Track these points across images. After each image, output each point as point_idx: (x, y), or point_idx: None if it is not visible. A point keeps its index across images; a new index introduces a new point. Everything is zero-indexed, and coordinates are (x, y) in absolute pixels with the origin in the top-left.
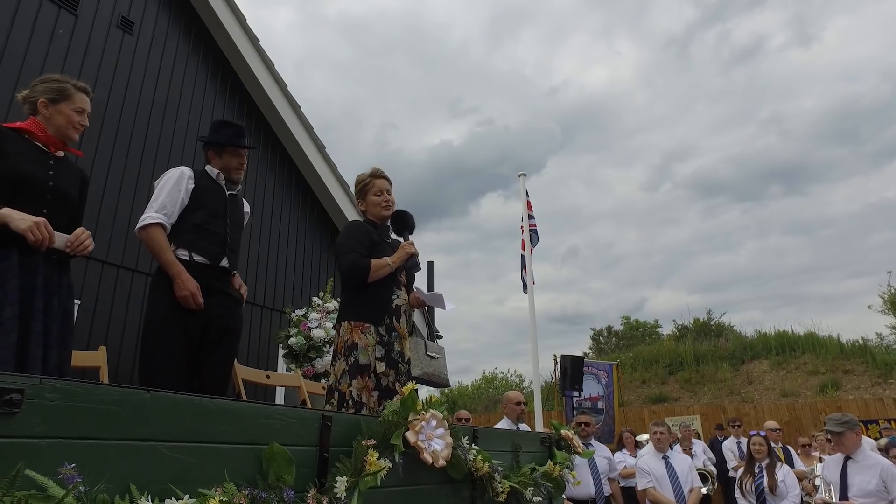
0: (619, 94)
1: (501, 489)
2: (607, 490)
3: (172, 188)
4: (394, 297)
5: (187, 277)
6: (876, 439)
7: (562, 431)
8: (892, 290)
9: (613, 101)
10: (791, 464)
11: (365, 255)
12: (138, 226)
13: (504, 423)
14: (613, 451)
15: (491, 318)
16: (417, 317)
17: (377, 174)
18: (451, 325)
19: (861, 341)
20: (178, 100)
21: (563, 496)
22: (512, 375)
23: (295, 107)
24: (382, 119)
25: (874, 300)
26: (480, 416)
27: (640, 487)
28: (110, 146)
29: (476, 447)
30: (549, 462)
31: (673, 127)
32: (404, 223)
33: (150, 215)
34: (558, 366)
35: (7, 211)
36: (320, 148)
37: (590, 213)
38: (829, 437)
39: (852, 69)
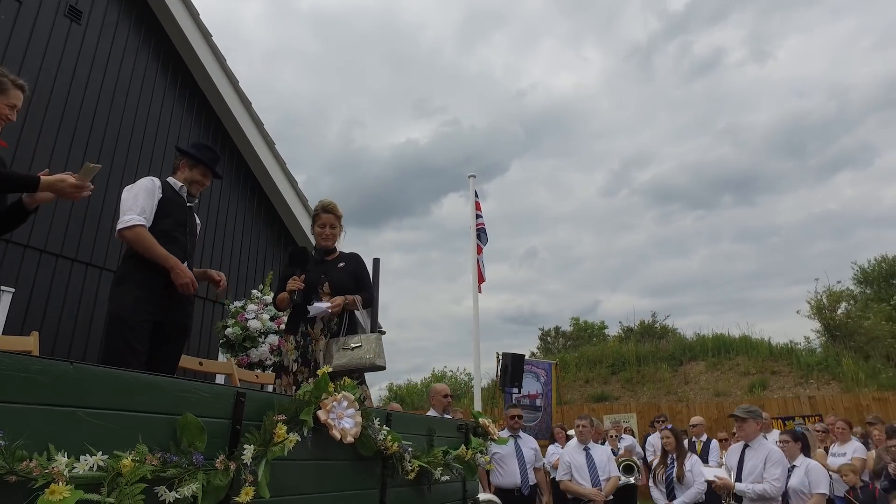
0: (584, 100)
1: (411, 468)
2: (532, 479)
3: (148, 196)
4: (310, 307)
5: (184, 267)
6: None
7: (480, 420)
8: (818, 297)
9: (578, 107)
10: (707, 456)
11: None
12: (123, 226)
13: (432, 414)
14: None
15: (447, 317)
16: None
17: (326, 209)
18: (408, 324)
19: (789, 344)
20: (127, 91)
21: (491, 484)
22: (461, 373)
23: (246, 103)
24: (349, 116)
25: (805, 306)
26: (426, 411)
27: (557, 478)
28: (53, 134)
29: (387, 428)
30: (463, 447)
31: (634, 134)
32: (296, 260)
33: (134, 217)
34: (500, 363)
35: None
36: (270, 144)
37: (550, 215)
38: (736, 422)
39: (802, 86)
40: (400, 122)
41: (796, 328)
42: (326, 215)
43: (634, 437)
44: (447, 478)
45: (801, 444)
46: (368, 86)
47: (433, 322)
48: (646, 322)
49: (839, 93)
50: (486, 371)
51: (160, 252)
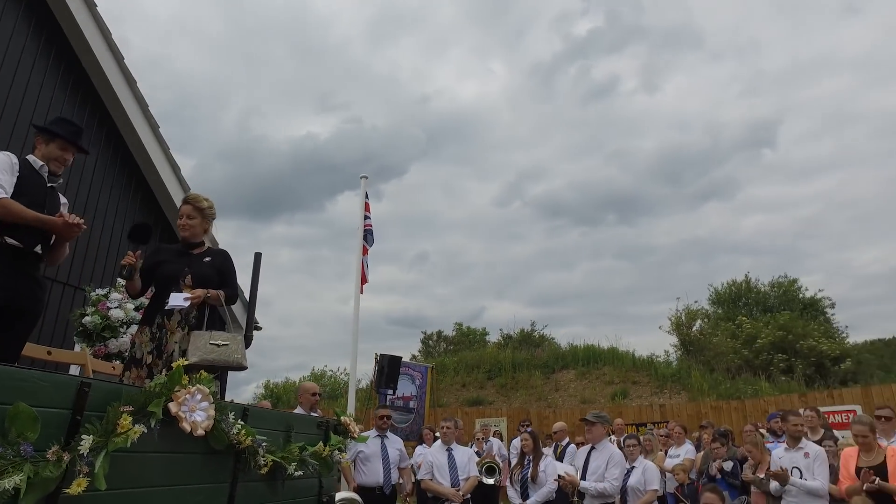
0: (486, 111)
1: (264, 462)
2: (395, 479)
3: (7, 171)
4: (169, 298)
5: (52, 218)
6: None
7: (341, 417)
8: (678, 315)
9: (481, 117)
10: (563, 459)
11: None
12: None
13: (299, 412)
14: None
15: (333, 316)
16: (239, 310)
17: (186, 199)
18: (292, 321)
19: (650, 357)
20: None
21: (354, 482)
22: (341, 373)
23: (131, 81)
24: (248, 103)
25: (667, 322)
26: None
27: (418, 477)
28: None
29: (242, 423)
30: (321, 443)
31: (531, 148)
32: (135, 235)
33: None
34: (377, 364)
35: None
36: (154, 127)
37: (444, 221)
38: (586, 426)
39: (684, 120)
40: (301, 114)
41: (659, 342)
42: (185, 206)
43: (502, 440)
44: (301, 473)
45: (640, 447)
46: (272, 74)
47: (318, 320)
48: (525, 330)
49: (713, 130)
50: (366, 372)
51: (33, 215)
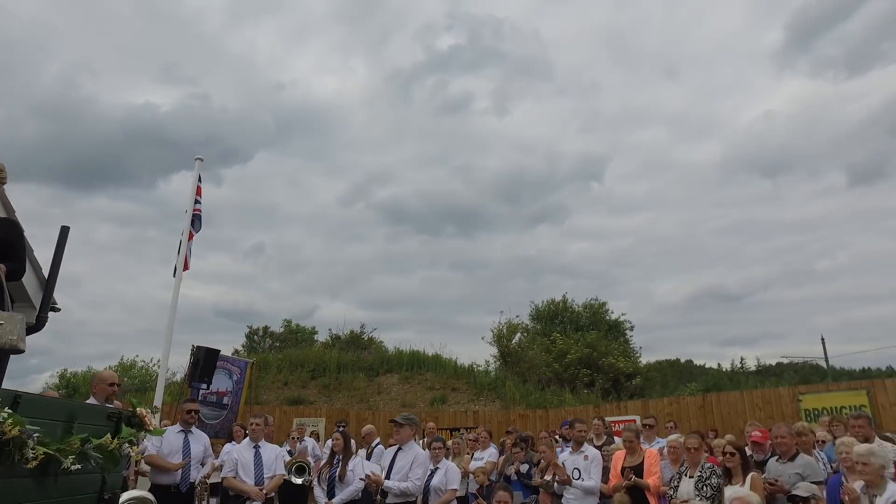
0: (342, 109)
1: (33, 455)
2: (195, 477)
3: None
4: None
5: None
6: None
7: (137, 409)
8: (500, 327)
9: (335, 114)
10: (372, 459)
11: None
12: None
13: (92, 402)
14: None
15: (153, 303)
16: (36, 287)
17: None
18: (105, 305)
19: (471, 366)
20: None
21: (149, 481)
22: (154, 365)
23: None
24: (78, 58)
25: (490, 333)
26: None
27: (221, 475)
28: None
29: (9, 411)
30: (108, 436)
31: (382, 152)
32: None
33: None
34: (192, 356)
35: None
36: None
37: (285, 214)
38: (395, 427)
39: (527, 145)
40: (141, 81)
41: (481, 352)
42: None
43: (319, 440)
44: (79, 467)
45: (445, 449)
46: (112, 31)
47: (136, 306)
48: (355, 332)
49: (552, 158)
50: (181, 365)
51: None
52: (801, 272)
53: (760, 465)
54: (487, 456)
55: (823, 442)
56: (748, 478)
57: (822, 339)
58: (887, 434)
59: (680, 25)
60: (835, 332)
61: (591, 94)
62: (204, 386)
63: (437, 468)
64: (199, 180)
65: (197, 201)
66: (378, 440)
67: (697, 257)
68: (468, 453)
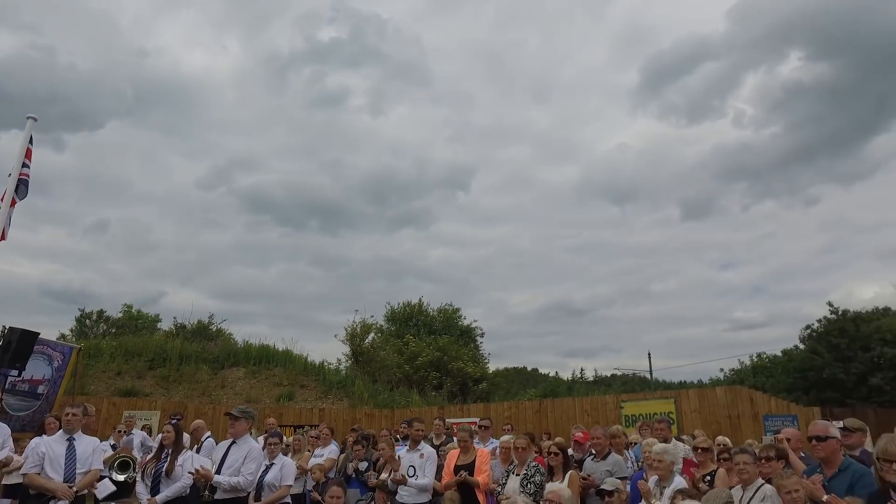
0: (210, 87)
1: None
2: None
3: None
4: None
5: None
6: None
7: None
8: (354, 326)
9: (203, 92)
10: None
11: None
12: None
13: None
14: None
15: None
16: None
17: None
18: None
19: (322, 363)
20: None
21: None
22: None
23: None
24: None
25: (343, 332)
26: None
27: (22, 471)
28: None
29: None
30: None
31: (249, 138)
32: None
33: None
34: (3, 338)
35: None
36: None
37: (136, 191)
38: (230, 420)
39: (399, 148)
40: None
41: (335, 350)
42: None
43: (151, 434)
44: None
45: (283, 445)
46: None
47: None
48: (202, 322)
49: (422, 164)
50: None
51: None
52: (639, 293)
53: (580, 464)
54: (328, 453)
55: (635, 443)
56: (567, 475)
57: (649, 355)
58: (683, 437)
59: (553, 54)
60: (662, 348)
61: (466, 106)
62: (14, 373)
63: (272, 464)
64: (31, 142)
65: (25, 165)
66: (209, 434)
67: (550, 272)
68: (309, 450)
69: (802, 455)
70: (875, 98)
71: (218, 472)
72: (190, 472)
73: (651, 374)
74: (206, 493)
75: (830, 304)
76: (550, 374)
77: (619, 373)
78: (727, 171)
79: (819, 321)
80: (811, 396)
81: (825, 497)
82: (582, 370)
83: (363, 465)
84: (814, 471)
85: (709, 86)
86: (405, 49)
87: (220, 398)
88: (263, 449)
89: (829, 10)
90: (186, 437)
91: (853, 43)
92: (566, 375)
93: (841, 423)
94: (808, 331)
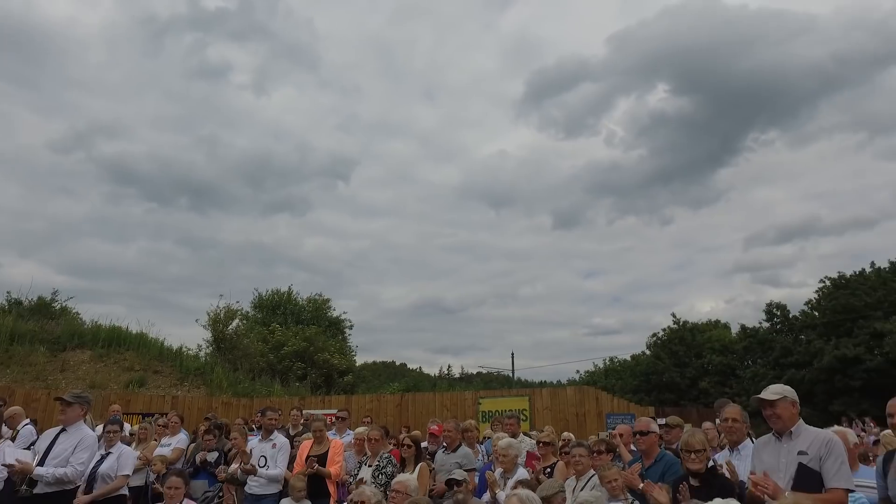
0: (74, 39)
1: None
2: None
3: None
4: None
5: None
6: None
7: None
8: (218, 312)
9: (65, 43)
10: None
11: None
12: None
13: None
14: None
15: None
16: None
17: None
18: None
19: (181, 348)
20: None
21: None
22: None
23: None
24: None
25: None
26: None
27: None
28: None
29: None
30: None
31: (117, 101)
32: None
33: None
34: None
35: None
36: None
37: None
38: (61, 406)
39: (281, 132)
40: None
41: (196, 336)
42: None
43: None
44: None
45: (122, 433)
46: None
47: None
48: (44, 299)
49: (304, 150)
50: None
51: None
52: (508, 295)
53: (433, 456)
54: (175, 443)
55: (487, 437)
56: (418, 466)
57: (512, 354)
58: (531, 433)
59: (444, 55)
60: (526, 349)
61: (354, 96)
62: None
63: (108, 453)
64: None
65: None
66: (27, 421)
67: (425, 269)
68: (155, 440)
69: (633, 449)
70: (722, 135)
71: (42, 463)
72: (4, 465)
73: (513, 373)
74: (24, 487)
75: (674, 316)
76: (419, 370)
77: (484, 371)
78: (597, 186)
79: (664, 330)
80: (652, 397)
81: (640, 485)
82: (449, 367)
83: (213, 456)
84: (637, 461)
85: (586, 105)
86: (295, 30)
87: (59, 383)
88: (101, 437)
89: (691, 50)
90: (4, 427)
91: (708, 83)
92: (434, 372)
93: (664, 420)
94: (654, 338)
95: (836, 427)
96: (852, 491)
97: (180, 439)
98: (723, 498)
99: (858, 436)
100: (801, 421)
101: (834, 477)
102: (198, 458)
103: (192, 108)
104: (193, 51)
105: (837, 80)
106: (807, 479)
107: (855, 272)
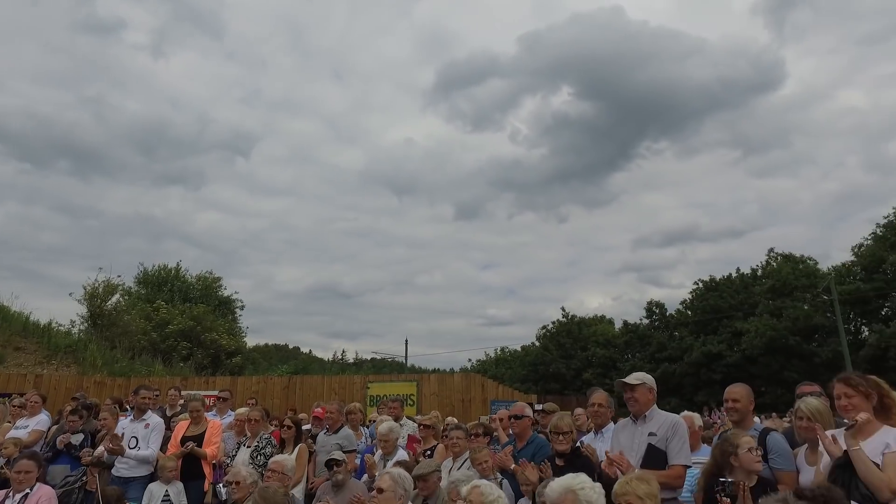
0: None
1: None
2: None
3: None
4: None
5: None
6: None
7: None
8: (96, 286)
9: None
10: None
11: None
12: None
13: None
14: None
15: None
16: None
17: None
18: None
19: (50, 324)
20: None
21: None
22: None
23: None
24: None
25: (82, 291)
26: None
27: None
28: None
29: None
30: None
31: None
32: None
33: None
34: None
35: None
36: None
37: None
38: None
39: (180, 99)
40: None
41: (71, 311)
42: None
43: None
44: None
45: None
46: None
47: None
48: None
49: (203, 121)
50: None
51: None
52: (406, 283)
53: (314, 438)
54: (34, 424)
55: (373, 421)
56: (297, 447)
57: (406, 341)
58: (417, 417)
59: (356, 36)
60: (422, 336)
61: (259, 70)
62: None
63: None
64: None
65: None
66: None
67: (323, 252)
68: (9, 421)
69: (510, 433)
70: (619, 140)
71: None
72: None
73: (406, 359)
74: None
75: (563, 310)
76: (311, 353)
77: (378, 356)
78: (499, 181)
79: (553, 323)
80: (539, 386)
81: (513, 465)
82: (343, 352)
83: (78, 438)
84: (510, 443)
85: (493, 100)
86: None
87: None
88: None
89: (595, 58)
90: None
91: (608, 91)
92: (328, 356)
93: (540, 406)
94: (544, 331)
95: (685, 412)
96: (690, 467)
97: (40, 420)
98: None
99: (714, 423)
100: (654, 406)
101: (676, 455)
102: (59, 441)
103: (78, 65)
104: (81, 4)
105: (720, 100)
106: (654, 458)
107: (724, 276)
